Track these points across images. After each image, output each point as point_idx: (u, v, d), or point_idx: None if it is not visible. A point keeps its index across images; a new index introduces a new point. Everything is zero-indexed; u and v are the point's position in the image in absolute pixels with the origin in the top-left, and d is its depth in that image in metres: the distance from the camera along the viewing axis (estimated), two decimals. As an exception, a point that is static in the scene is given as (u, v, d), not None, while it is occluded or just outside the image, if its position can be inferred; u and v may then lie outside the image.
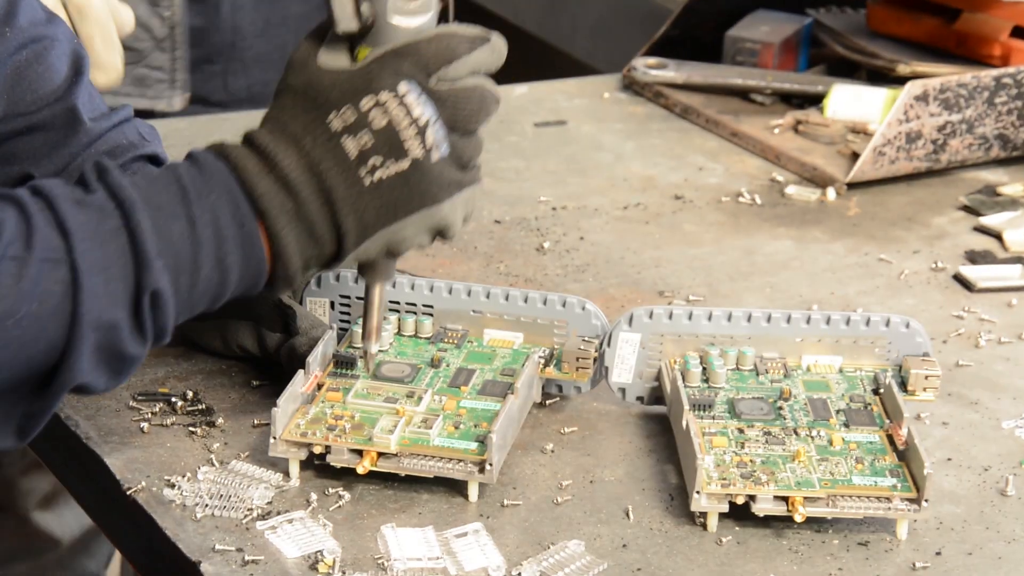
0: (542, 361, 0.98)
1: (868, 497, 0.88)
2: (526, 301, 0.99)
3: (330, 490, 0.90)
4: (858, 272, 1.20)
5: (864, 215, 1.29)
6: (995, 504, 0.93)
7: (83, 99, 0.99)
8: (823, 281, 1.18)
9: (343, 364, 0.96)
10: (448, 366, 0.97)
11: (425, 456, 0.89)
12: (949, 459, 0.97)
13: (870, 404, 0.95)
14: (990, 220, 1.28)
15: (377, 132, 0.85)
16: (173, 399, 0.98)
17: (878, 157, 1.32)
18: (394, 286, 1.00)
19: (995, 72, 1.35)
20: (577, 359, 0.97)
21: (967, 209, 1.30)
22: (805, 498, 0.87)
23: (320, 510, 0.89)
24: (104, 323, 0.81)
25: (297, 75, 0.87)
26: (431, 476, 0.89)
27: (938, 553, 0.88)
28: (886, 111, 1.38)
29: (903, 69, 1.44)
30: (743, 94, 1.48)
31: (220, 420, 0.96)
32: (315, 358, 0.94)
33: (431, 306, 1.00)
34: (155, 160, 1.01)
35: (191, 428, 0.96)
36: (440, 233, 0.88)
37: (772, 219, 1.28)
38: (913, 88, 1.31)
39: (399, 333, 1.00)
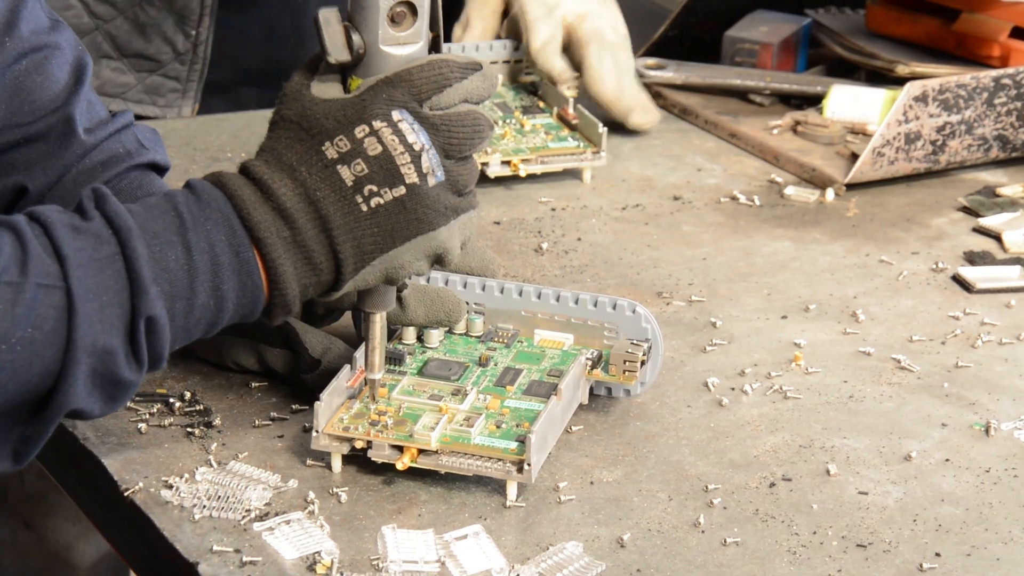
0: (589, 363, 0.98)
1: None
2: (577, 303, 1.00)
3: (330, 489, 0.91)
4: (857, 273, 1.20)
5: (863, 216, 1.29)
6: (994, 505, 0.93)
7: (80, 109, 0.99)
8: (822, 282, 1.18)
9: (391, 360, 0.97)
10: (496, 365, 0.98)
11: (465, 454, 0.90)
12: (948, 460, 0.97)
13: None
14: (989, 221, 1.28)
15: (372, 160, 0.86)
16: (171, 400, 0.98)
17: (877, 158, 1.32)
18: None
19: (994, 73, 1.35)
20: (625, 362, 0.98)
21: (966, 210, 1.31)
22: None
23: (320, 510, 0.89)
24: (99, 349, 0.81)
25: (290, 106, 0.88)
26: (470, 474, 0.90)
27: (937, 554, 0.88)
28: (885, 112, 1.38)
29: (902, 70, 1.44)
30: (742, 95, 1.48)
31: (218, 421, 0.96)
32: (362, 353, 0.95)
33: (482, 305, 1.01)
34: (155, 167, 1.01)
35: (189, 429, 0.96)
36: (438, 258, 0.89)
37: (771, 220, 1.28)
38: (912, 89, 1.31)
39: (450, 331, 1.01)
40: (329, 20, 0.87)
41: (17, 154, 0.98)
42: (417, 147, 0.86)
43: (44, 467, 1.02)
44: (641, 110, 1.39)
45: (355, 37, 0.87)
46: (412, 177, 0.86)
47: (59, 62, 0.99)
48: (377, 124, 0.86)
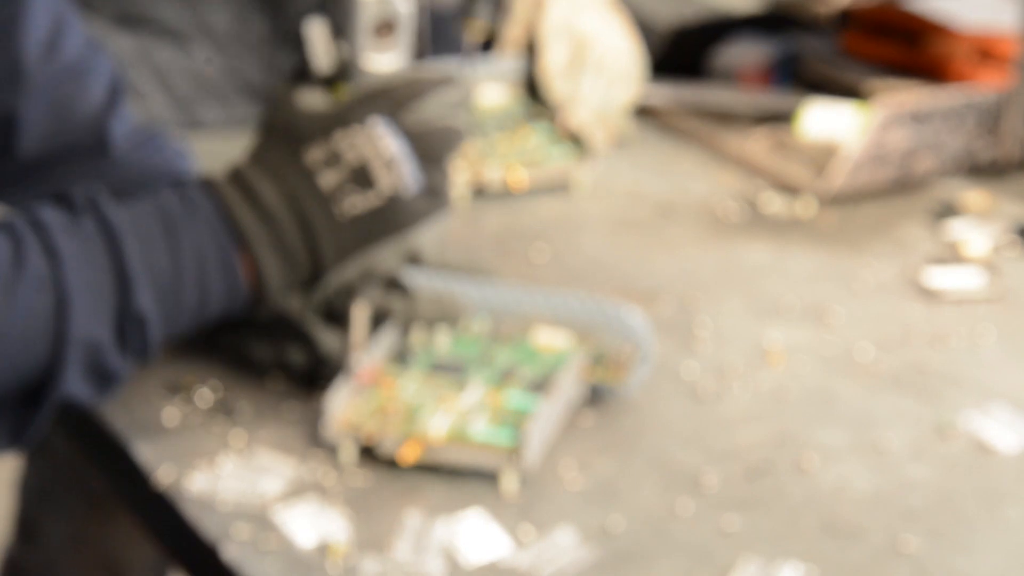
0: (585, 362, 1.00)
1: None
2: (573, 305, 1.02)
3: (344, 477, 0.92)
4: (833, 279, 1.22)
5: (838, 227, 1.31)
6: (960, 494, 0.95)
7: (115, 126, 1.01)
8: (800, 287, 1.20)
9: (399, 355, 0.99)
10: (498, 363, 1.00)
11: (466, 447, 0.92)
12: (917, 452, 0.99)
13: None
14: (956, 232, 1.30)
15: (349, 164, 0.90)
16: (195, 389, 0.99)
17: (852, 172, 1.34)
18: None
19: (961, 92, 1.37)
20: (617, 361, 1.00)
21: (934, 221, 1.33)
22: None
23: (334, 497, 0.91)
24: (89, 341, 0.85)
25: (278, 113, 0.92)
26: (471, 467, 0.92)
27: (908, 541, 0.90)
28: (859, 129, 1.40)
29: (875, 90, 1.46)
30: (726, 112, 1.50)
31: (239, 410, 0.98)
32: (370, 350, 0.97)
33: (485, 306, 1.03)
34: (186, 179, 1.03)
35: (212, 417, 0.97)
36: (412, 258, 0.92)
37: (752, 229, 1.30)
38: (884, 108, 1.33)
39: (455, 331, 1.02)
40: (315, 32, 0.90)
41: (56, 166, 1.00)
42: (393, 154, 0.89)
43: (76, 454, 1.03)
44: (596, 138, 1.39)
45: (340, 50, 0.90)
46: (387, 182, 0.90)
47: (97, 81, 1.01)
48: (355, 131, 0.90)
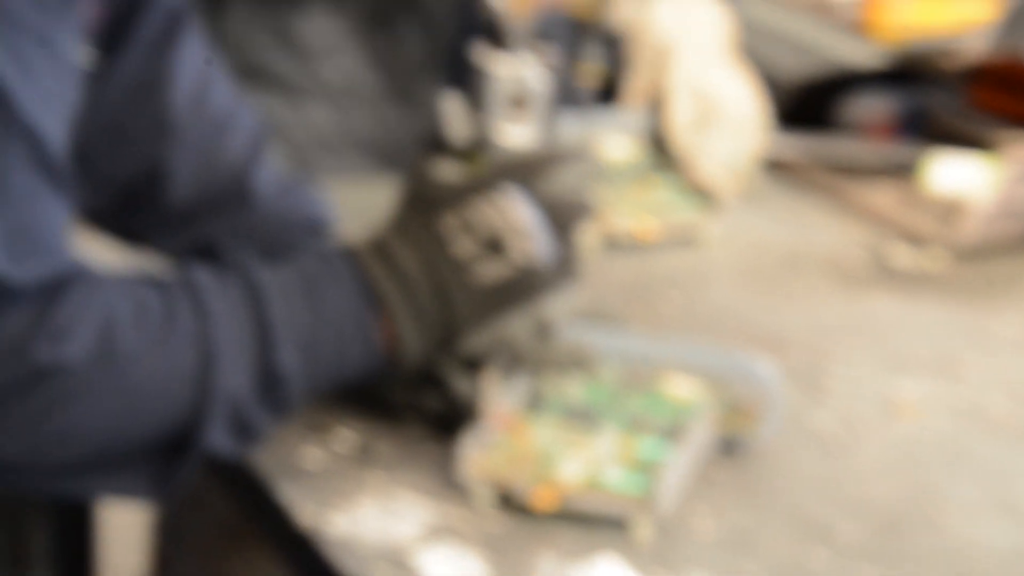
0: (716, 412, 0.99)
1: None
2: (704, 353, 1.01)
3: (479, 520, 0.92)
4: (964, 333, 1.20)
5: (968, 279, 1.29)
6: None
7: (260, 175, 1.03)
8: (931, 341, 1.18)
9: (532, 401, 0.99)
10: (629, 410, 0.99)
11: (600, 494, 0.91)
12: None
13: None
14: (1088, 286, 1.28)
15: (482, 233, 0.90)
16: (335, 431, 1.00)
17: (982, 225, 1.32)
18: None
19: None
20: (748, 411, 0.99)
21: (1066, 275, 1.30)
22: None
23: (471, 540, 0.91)
24: (233, 396, 0.86)
25: (415, 183, 0.93)
26: (604, 515, 0.91)
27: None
28: (989, 182, 1.38)
29: (1004, 143, 1.44)
30: (852, 165, 1.49)
31: (379, 452, 0.98)
32: (502, 396, 0.97)
33: (617, 352, 1.03)
34: (327, 231, 1.05)
35: (352, 459, 0.98)
36: (543, 328, 0.92)
37: (880, 281, 1.29)
38: (1014, 160, 1.31)
39: (587, 377, 1.02)
40: (452, 104, 0.92)
41: (202, 215, 1.02)
42: (526, 224, 0.90)
43: (221, 497, 1.05)
44: (723, 190, 1.39)
45: (475, 121, 0.92)
46: (521, 252, 0.90)
47: (241, 132, 1.03)
48: (489, 201, 0.90)
